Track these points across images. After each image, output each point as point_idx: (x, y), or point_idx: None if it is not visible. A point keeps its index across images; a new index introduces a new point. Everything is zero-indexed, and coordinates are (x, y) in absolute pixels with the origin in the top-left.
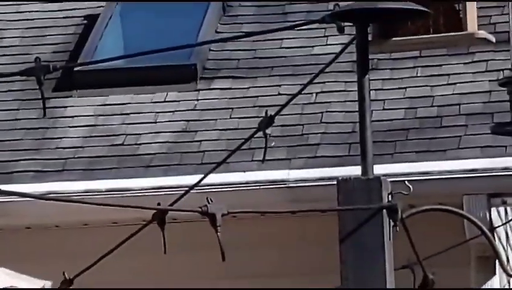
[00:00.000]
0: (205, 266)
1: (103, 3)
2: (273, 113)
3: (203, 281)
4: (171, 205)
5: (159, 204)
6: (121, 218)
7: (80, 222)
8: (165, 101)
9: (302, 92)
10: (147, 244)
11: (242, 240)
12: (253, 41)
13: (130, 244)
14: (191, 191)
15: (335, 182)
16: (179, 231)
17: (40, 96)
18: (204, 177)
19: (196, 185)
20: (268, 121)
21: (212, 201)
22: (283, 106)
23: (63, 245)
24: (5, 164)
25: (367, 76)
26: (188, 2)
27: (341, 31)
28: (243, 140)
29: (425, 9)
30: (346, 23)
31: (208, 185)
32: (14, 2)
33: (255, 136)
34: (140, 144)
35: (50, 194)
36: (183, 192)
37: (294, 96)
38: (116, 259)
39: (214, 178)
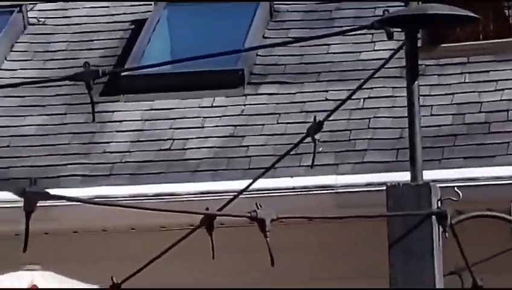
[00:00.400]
0: (253, 270)
1: (151, 8)
2: (321, 119)
3: (251, 285)
4: (219, 210)
5: (207, 209)
6: (168, 223)
7: (127, 227)
8: (212, 106)
9: (350, 98)
10: (193, 249)
11: (288, 245)
12: (301, 46)
13: (177, 249)
14: (237, 197)
15: (382, 188)
16: (225, 235)
17: (87, 101)
18: (253, 182)
19: (245, 189)
20: (317, 127)
21: (261, 207)
22: (332, 112)
23: (110, 250)
24: (52, 168)
25: (416, 82)
26: (235, 6)
27: (390, 37)
28: (290, 145)
29: (475, 16)
30: (395, 29)
31: (255, 191)
32: (62, 7)
33: (302, 141)
34: (187, 149)
35: (97, 198)
36: (230, 197)
37: (343, 101)
38: (163, 263)
39: (261, 183)
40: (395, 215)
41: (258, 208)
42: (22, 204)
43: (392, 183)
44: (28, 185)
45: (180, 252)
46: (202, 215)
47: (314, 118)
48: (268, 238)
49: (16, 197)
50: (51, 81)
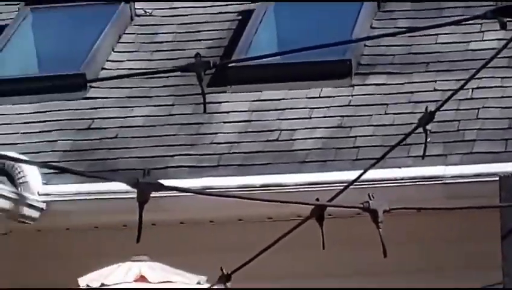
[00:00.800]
0: (360, 262)
1: None
2: (432, 109)
3: (360, 277)
4: (330, 200)
5: (317, 199)
6: (275, 213)
7: (234, 217)
8: (319, 97)
9: (462, 88)
10: (299, 240)
11: (397, 236)
12: (409, 36)
13: (284, 240)
14: (348, 188)
15: (491, 179)
16: (333, 226)
17: (194, 92)
18: (364, 173)
19: (356, 180)
20: (428, 117)
21: (373, 197)
22: (444, 102)
23: (218, 240)
24: (160, 159)
25: None
26: None
27: (504, 27)
28: (398, 136)
29: None
30: (508, 19)
31: (363, 181)
32: None
33: (414, 132)
34: (295, 140)
35: (205, 189)
36: (337, 188)
37: (455, 92)
38: (270, 254)
39: (369, 174)
40: (508, 206)
41: (370, 199)
42: (129, 195)
43: (505, 174)
44: (142, 176)
45: (286, 243)
46: (310, 207)
47: (426, 109)
48: (380, 229)
49: (123, 188)
50: (161, 72)
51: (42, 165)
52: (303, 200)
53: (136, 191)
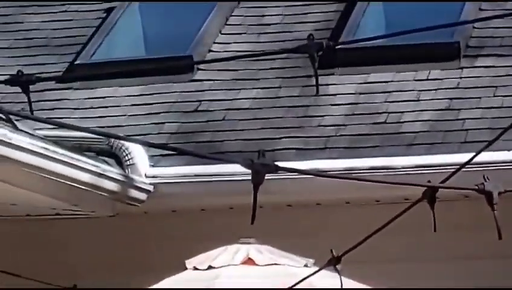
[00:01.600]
0: (471, 245)
1: None
2: None
3: (472, 260)
4: (442, 182)
5: (429, 181)
6: (383, 196)
7: (342, 200)
8: (427, 79)
9: None
10: (408, 223)
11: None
12: None
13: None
14: (460, 170)
15: None
16: (441, 209)
17: (301, 74)
18: (476, 155)
19: (468, 162)
20: None
21: (488, 179)
22: None
23: (325, 223)
24: (267, 142)
25: None
26: None
27: None
28: (507, 119)
29: None
30: None
31: (473, 164)
32: None
33: None
34: (402, 122)
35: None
36: (445, 170)
37: None
38: (379, 237)
39: (477, 157)
40: None
41: (485, 181)
42: (235, 178)
43: None
44: (256, 158)
45: (394, 226)
46: (418, 189)
47: None
48: (496, 211)
49: (230, 171)
50: (271, 53)
51: (156, 146)
52: (411, 183)
53: (250, 172)
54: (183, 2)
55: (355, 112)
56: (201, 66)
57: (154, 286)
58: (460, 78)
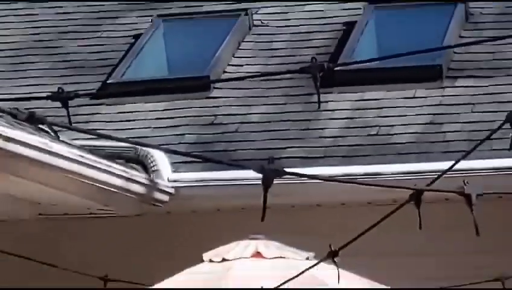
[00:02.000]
0: (452, 241)
1: (360, 12)
2: None
3: (453, 258)
4: (428, 186)
5: (415, 185)
6: (374, 199)
7: (339, 202)
8: (414, 97)
9: None
10: (398, 222)
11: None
12: (493, 44)
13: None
14: (442, 176)
15: None
16: (425, 210)
17: (303, 92)
18: (455, 163)
19: (450, 169)
20: None
21: (468, 183)
22: None
23: (324, 222)
24: (275, 151)
25: None
26: (434, 11)
27: None
28: (483, 131)
29: None
30: None
31: (454, 171)
32: (283, 11)
33: (496, 128)
34: (392, 134)
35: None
36: (430, 176)
37: None
38: (371, 234)
39: (459, 165)
40: None
41: (465, 185)
42: (247, 182)
43: None
44: (266, 164)
45: (384, 225)
46: (407, 192)
47: None
48: (474, 212)
49: (242, 176)
50: (278, 74)
51: (180, 153)
52: (400, 186)
53: (260, 177)
54: (201, 28)
55: (351, 125)
56: (217, 85)
57: (175, 276)
58: (443, 96)
